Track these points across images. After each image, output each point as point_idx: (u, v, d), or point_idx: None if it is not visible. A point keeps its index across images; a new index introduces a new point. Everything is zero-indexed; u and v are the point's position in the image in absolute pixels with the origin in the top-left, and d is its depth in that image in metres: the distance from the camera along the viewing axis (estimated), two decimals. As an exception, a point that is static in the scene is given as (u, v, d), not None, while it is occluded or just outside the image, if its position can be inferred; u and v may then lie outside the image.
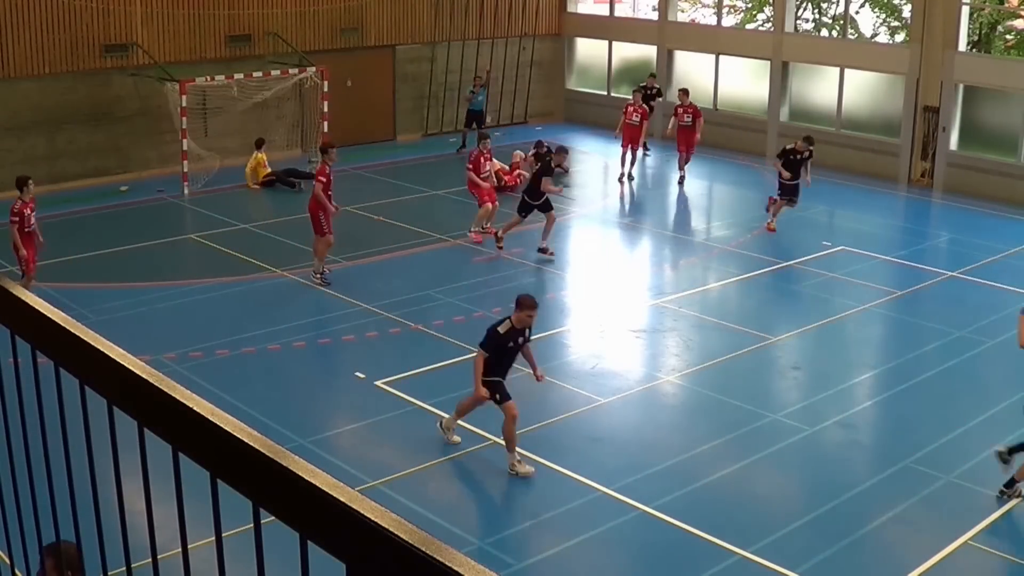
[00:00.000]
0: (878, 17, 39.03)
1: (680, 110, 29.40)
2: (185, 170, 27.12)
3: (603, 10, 38.77)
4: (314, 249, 20.58)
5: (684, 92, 30.18)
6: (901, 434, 15.19)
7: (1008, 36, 36.70)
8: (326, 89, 29.45)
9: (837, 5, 37.67)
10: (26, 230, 18.54)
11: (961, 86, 29.07)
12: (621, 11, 38.49)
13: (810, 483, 13.84)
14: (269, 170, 28.27)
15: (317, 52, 30.90)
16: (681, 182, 29.11)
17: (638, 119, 29.30)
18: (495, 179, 24.72)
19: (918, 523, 12.87)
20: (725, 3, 37.47)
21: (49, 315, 2.44)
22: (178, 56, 28.76)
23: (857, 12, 37.37)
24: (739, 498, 13.34)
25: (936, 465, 13.98)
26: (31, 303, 2.50)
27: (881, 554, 12.24)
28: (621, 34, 36.94)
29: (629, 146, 29.25)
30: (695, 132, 29.01)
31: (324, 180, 20.31)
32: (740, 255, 22.91)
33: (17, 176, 19.25)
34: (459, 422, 14.34)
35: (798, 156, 24.04)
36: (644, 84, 32.27)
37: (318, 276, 20.45)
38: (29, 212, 18.58)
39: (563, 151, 24.20)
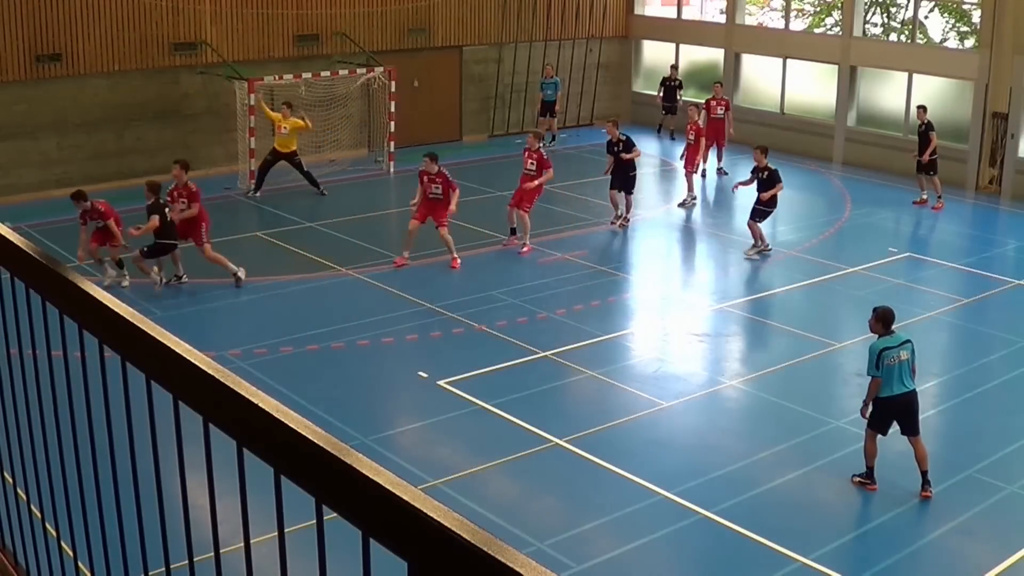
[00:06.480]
0: (947, 22, 38.62)
1: (713, 102, 30.43)
2: (252, 168, 27.28)
3: (670, 12, 38.60)
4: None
5: (719, 84, 31.78)
6: (964, 443, 15.02)
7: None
8: (393, 89, 29.56)
9: (906, 10, 37.24)
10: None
11: (1032, 92, 28.73)
12: (688, 14, 38.31)
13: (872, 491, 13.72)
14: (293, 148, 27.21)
15: (384, 52, 31.02)
16: (720, 173, 30.16)
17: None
18: None
19: (980, 533, 12.71)
20: (793, 7, 37.22)
21: (116, 310, 2.46)
22: (246, 55, 29.01)
23: (926, 17, 36.97)
24: (800, 504, 13.26)
25: (999, 475, 13.82)
26: (99, 298, 2.52)
27: (942, 564, 12.13)
28: (688, 37, 36.82)
29: (714, 142, 29.82)
30: (726, 124, 30.37)
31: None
32: (805, 260, 22.74)
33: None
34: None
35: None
36: (667, 76, 34.88)
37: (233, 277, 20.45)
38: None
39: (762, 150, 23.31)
